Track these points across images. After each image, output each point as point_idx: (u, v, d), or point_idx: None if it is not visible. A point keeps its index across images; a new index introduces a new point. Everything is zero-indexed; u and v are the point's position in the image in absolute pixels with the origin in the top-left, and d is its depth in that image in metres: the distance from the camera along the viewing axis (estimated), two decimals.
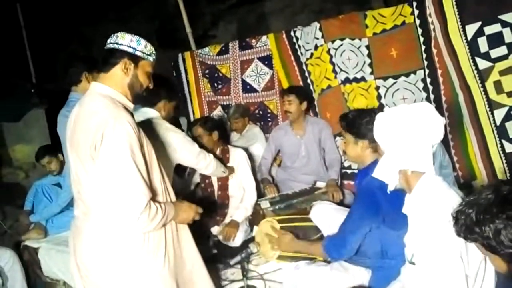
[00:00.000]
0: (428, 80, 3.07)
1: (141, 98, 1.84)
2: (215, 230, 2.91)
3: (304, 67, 3.55)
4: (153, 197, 1.62)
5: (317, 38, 3.32)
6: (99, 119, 1.52)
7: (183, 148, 2.37)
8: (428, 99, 3.07)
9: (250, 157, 3.24)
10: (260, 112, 3.93)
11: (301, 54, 3.54)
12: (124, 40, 1.65)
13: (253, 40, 3.81)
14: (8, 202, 4.13)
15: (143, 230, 1.60)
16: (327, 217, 2.19)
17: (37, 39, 5.56)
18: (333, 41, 3.25)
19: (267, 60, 3.78)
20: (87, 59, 2.58)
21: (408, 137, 1.52)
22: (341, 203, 2.76)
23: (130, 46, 1.65)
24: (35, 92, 5.18)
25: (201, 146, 2.96)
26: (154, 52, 1.73)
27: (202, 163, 2.57)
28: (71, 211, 2.21)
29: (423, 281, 1.42)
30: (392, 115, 1.58)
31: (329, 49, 3.27)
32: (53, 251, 3.02)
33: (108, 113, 1.53)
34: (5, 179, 5.11)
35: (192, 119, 3.97)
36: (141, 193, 1.53)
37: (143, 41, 1.68)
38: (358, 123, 1.98)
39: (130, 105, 1.69)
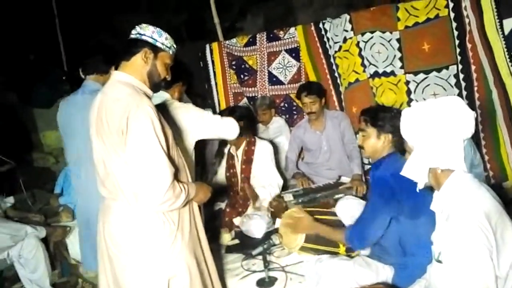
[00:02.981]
0: (461, 76, 2.98)
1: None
2: (237, 221, 2.92)
3: (332, 60, 3.49)
4: (175, 177, 1.68)
5: (347, 31, 3.26)
6: (123, 105, 1.60)
7: (199, 124, 2.27)
8: (460, 95, 2.97)
9: (276, 149, 3.22)
10: (286, 105, 3.91)
11: (330, 46, 3.49)
12: (146, 31, 1.75)
13: (281, 32, 3.78)
14: (38, 186, 4.25)
15: (168, 208, 1.67)
16: (352, 211, 2.16)
17: (70, 27, 5.68)
18: (363, 34, 3.19)
19: (294, 53, 3.75)
20: None
21: (438, 132, 1.47)
22: (365, 198, 2.72)
23: (151, 37, 1.75)
24: (67, 80, 5.30)
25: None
26: (174, 45, 1.83)
27: (226, 129, 2.37)
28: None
29: (451, 280, 1.39)
30: (420, 110, 1.53)
31: (358, 42, 3.21)
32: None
33: (131, 99, 1.61)
34: (35, 164, 5.27)
35: (217, 111, 3.98)
36: (167, 172, 1.61)
37: (164, 34, 1.78)
38: (383, 117, 1.98)
39: (150, 92, 1.78)
